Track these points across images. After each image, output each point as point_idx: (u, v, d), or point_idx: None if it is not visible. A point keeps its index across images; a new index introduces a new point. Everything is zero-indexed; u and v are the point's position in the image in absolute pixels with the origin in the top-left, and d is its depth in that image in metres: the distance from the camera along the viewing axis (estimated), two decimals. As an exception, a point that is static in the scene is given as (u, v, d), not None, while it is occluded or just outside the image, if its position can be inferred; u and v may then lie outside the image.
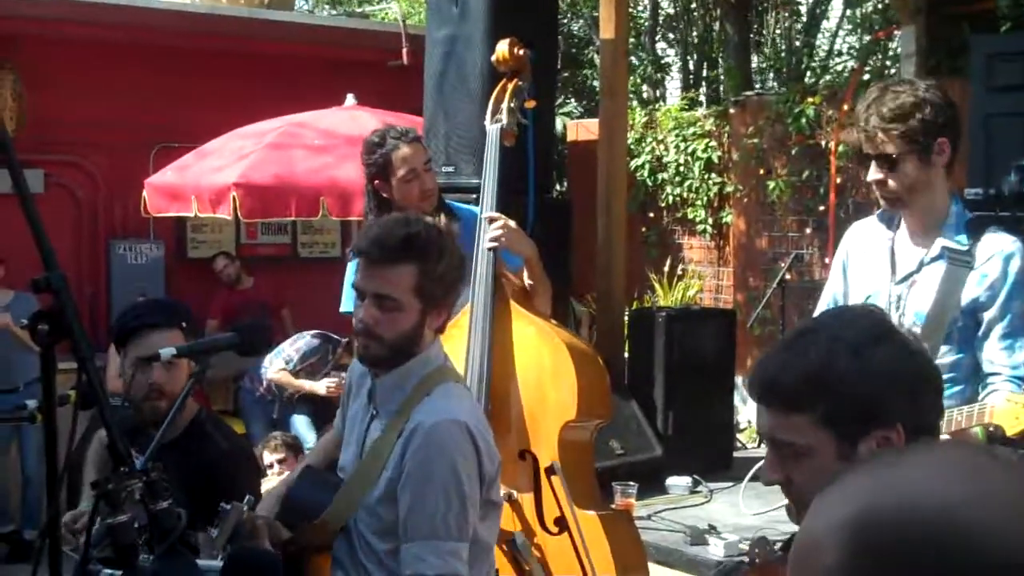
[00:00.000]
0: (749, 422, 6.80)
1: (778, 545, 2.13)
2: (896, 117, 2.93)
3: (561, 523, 3.50)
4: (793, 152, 9.11)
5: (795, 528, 2.20)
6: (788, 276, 7.34)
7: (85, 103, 8.70)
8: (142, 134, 9.08)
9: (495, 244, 3.68)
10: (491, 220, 3.73)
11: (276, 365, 6.94)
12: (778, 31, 15.01)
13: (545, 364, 3.61)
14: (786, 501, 1.96)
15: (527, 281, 3.75)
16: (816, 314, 3.40)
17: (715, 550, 4.27)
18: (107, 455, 2.06)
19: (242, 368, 7.84)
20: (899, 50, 9.10)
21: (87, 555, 2.10)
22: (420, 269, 2.59)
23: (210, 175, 7.12)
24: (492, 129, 3.90)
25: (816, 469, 1.74)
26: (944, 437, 2.64)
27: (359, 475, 2.65)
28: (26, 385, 7.27)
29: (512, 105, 3.90)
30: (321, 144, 7.27)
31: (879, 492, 0.90)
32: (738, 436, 6.25)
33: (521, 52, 3.98)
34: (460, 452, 2.54)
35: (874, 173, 2.99)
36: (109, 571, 2.15)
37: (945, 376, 3.05)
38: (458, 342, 3.70)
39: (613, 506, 4.08)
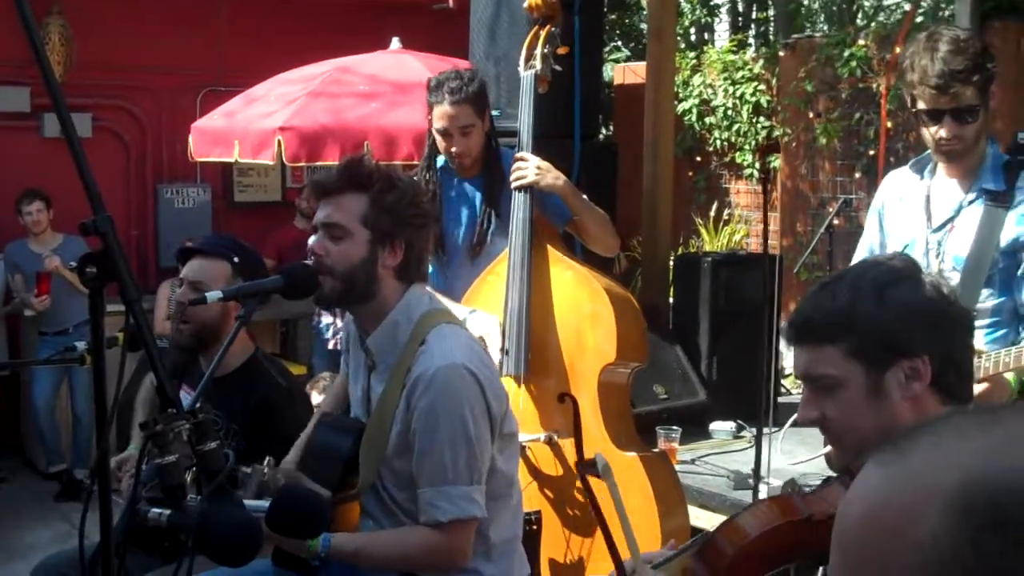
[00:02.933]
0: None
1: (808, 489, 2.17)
2: (970, 69, 2.89)
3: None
4: (843, 96, 8.98)
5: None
6: (836, 221, 7.26)
7: (132, 47, 8.73)
8: (188, 78, 9.10)
9: (520, 183, 3.71)
10: (519, 159, 3.75)
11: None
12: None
13: (583, 308, 3.62)
14: (828, 448, 2.00)
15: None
16: (853, 263, 3.40)
17: (759, 494, 4.27)
18: (156, 396, 2.08)
19: (292, 311, 7.89)
20: (953, -9, 8.92)
21: (136, 495, 2.13)
22: (367, 198, 2.64)
23: (257, 121, 7.11)
24: (526, 75, 3.92)
25: (848, 402, 1.85)
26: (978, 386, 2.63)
27: (371, 435, 2.67)
28: (75, 327, 7.43)
29: (545, 51, 3.90)
30: (366, 89, 7.24)
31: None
32: (782, 382, 6.22)
33: None
34: (463, 395, 2.56)
35: (952, 127, 2.94)
36: (157, 511, 2.17)
37: (988, 320, 3.04)
38: (496, 288, 3.72)
39: (655, 450, 4.08)
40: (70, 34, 8.40)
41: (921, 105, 2.96)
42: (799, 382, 2.09)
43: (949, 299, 1.89)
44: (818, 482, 3.99)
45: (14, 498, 7.51)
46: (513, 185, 3.74)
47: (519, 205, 3.72)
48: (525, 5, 4.02)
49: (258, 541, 2.11)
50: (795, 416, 2.02)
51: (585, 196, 3.88)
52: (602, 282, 3.65)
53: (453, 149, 3.86)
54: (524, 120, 3.84)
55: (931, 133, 2.98)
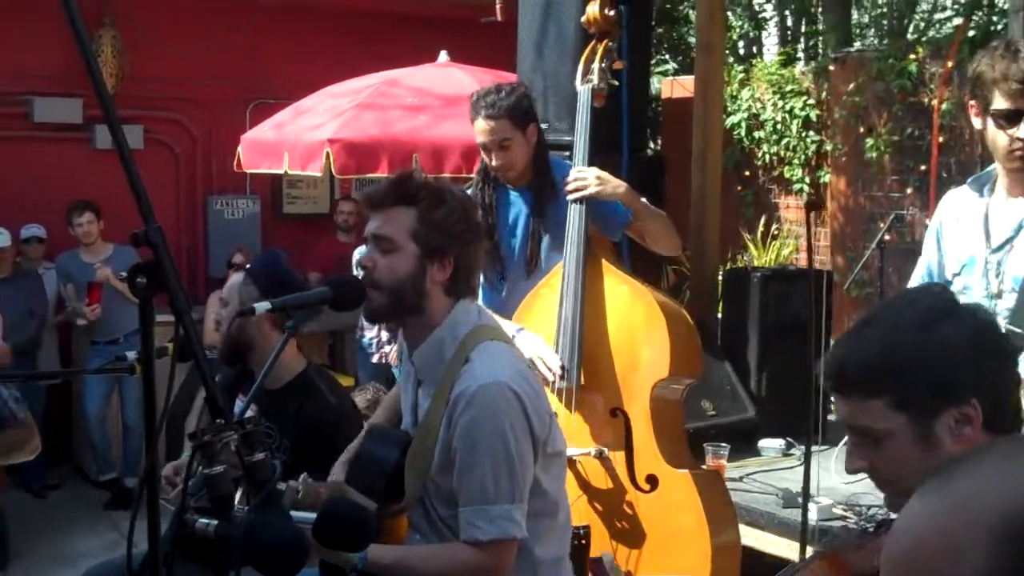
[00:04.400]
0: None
1: (871, 528, 2.10)
2: None
3: (652, 480, 3.50)
4: (894, 110, 8.89)
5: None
6: (887, 237, 7.17)
7: (183, 59, 8.83)
8: (239, 90, 9.18)
9: (580, 194, 3.70)
10: (575, 174, 3.75)
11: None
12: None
13: (638, 322, 3.60)
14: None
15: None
16: (910, 284, 3.35)
17: (809, 514, 4.21)
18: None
19: (339, 323, 7.92)
20: (1006, 5, 8.81)
21: (184, 504, 2.13)
22: (416, 213, 2.63)
23: (306, 133, 7.16)
24: (583, 89, 3.93)
25: (896, 453, 1.76)
26: None
27: (416, 449, 2.67)
28: (126, 336, 7.50)
29: (603, 66, 3.92)
30: (414, 102, 7.27)
31: None
32: (832, 399, 6.13)
33: (611, 13, 3.98)
34: (505, 414, 2.53)
35: None
36: (205, 520, 2.18)
37: None
38: (549, 300, 3.71)
39: (704, 467, 4.05)
40: (122, 46, 8.50)
41: (999, 106, 2.89)
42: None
43: (992, 331, 1.80)
44: (871, 501, 3.94)
45: (65, 505, 7.58)
46: (571, 197, 3.73)
47: (575, 217, 3.72)
48: (582, 19, 4.03)
49: (304, 553, 2.11)
50: (848, 437, 1.97)
51: (644, 199, 3.87)
52: (657, 297, 3.64)
53: (494, 163, 3.87)
54: (580, 134, 3.85)
55: (1007, 135, 2.91)
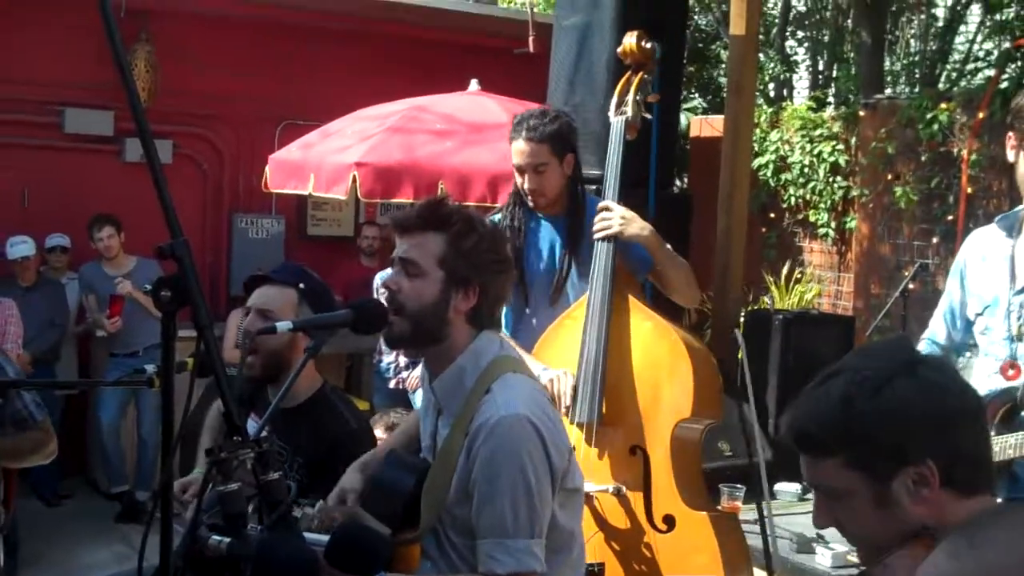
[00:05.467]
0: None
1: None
2: None
3: (670, 521, 3.46)
4: (923, 158, 8.87)
5: None
6: (912, 285, 7.15)
7: (215, 77, 8.88)
8: (269, 110, 9.23)
9: (604, 233, 3.68)
10: (603, 209, 3.73)
11: (415, 373, 6.91)
12: (912, 33, 14.64)
13: (662, 360, 3.57)
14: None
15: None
16: (932, 322, 3.34)
17: (822, 559, 4.18)
18: (223, 423, 2.08)
19: (358, 346, 7.91)
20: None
21: (197, 521, 2.12)
22: (445, 240, 2.61)
23: (333, 155, 7.18)
24: (616, 121, 3.90)
25: (857, 510, 1.76)
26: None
27: (434, 479, 2.64)
28: (145, 350, 7.52)
29: (637, 98, 3.90)
30: (443, 128, 7.29)
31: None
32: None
33: (648, 45, 3.97)
34: (524, 447, 2.50)
35: None
36: (217, 538, 2.17)
37: None
38: (572, 332, 3.69)
39: (719, 507, 4.01)
40: (156, 61, 8.57)
41: None
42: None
43: (950, 392, 1.77)
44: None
45: (76, 516, 7.59)
46: (597, 236, 3.71)
47: (601, 253, 3.69)
48: (619, 50, 4.02)
49: (315, 574, 2.09)
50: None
51: (669, 246, 3.85)
52: (681, 335, 3.61)
53: (526, 186, 3.86)
54: (611, 166, 3.83)
55: None
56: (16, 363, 4.18)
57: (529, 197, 3.88)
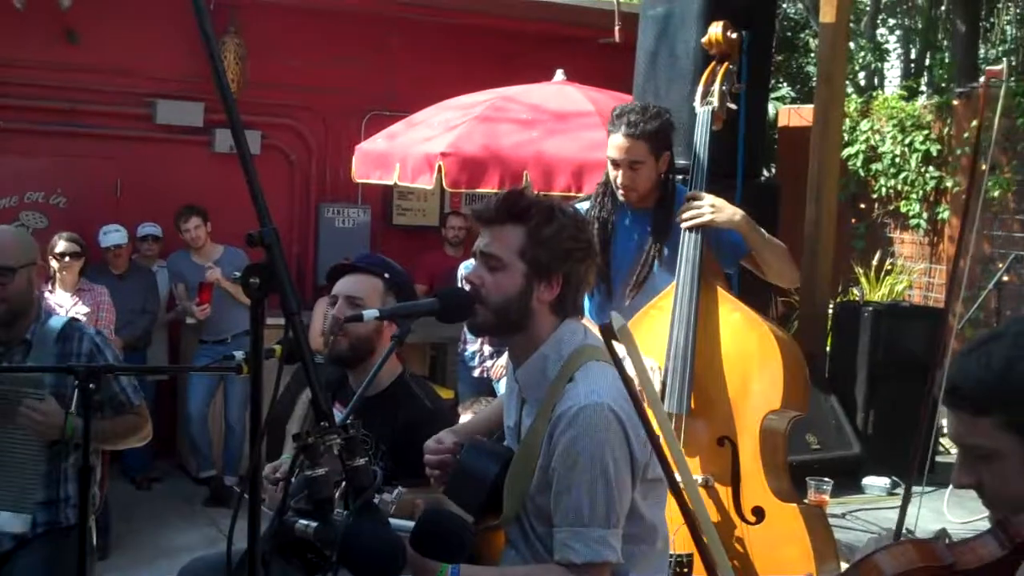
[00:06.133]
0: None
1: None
2: None
3: (759, 512, 3.43)
4: (1020, 149, 8.65)
5: None
6: (1005, 278, 6.99)
7: (303, 68, 8.98)
8: (355, 100, 9.30)
9: (694, 222, 3.65)
10: (691, 199, 3.69)
11: (500, 362, 6.93)
12: (1008, 20, 14.29)
13: (751, 352, 3.54)
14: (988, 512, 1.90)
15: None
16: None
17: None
18: (311, 410, 2.10)
19: (442, 335, 7.95)
20: None
21: (284, 505, 2.15)
22: (524, 231, 2.61)
23: (418, 145, 7.21)
24: (702, 111, 3.88)
25: (1005, 473, 1.74)
26: None
27: (517, 467, 2.64)
28: (234, 337, 7.62)
29: (723, 88, 3.87)
30: (528, 118, 7.28)
31: None
32: (941, 440, 5.99)
33: (733, 36, 3.93)
34: (605, 436, 2.49)
35: None
36: (304, 522, 2.19)
37: None
38: (659, 323, 3.67)
39: (806, 501, 3.96)
40: (245, 53, 8.68)
41: None
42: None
43: None
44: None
45: (165, 499, 7.72)
46: (686, 225, 3.68)
47: (689, 243, 3.66)
48: (703, 40, 3.99)
49: (401, 560, 2.11)
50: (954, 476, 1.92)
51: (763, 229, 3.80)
52: (770, 327, 3.58)
53: (619, 181, 3.83)
54: (698, 156, 3.80)
55: None
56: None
57: (621, 191, 3.86)
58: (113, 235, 7.64)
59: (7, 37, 8.06)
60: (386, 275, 3.57)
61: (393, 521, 2.26)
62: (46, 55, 8.21)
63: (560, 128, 7.03)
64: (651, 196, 3.88)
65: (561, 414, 2.53)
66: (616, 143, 3.81)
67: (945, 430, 6.54)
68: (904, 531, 4.28)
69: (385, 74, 9.28)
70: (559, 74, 7.84)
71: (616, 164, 3.83)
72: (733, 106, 3.94)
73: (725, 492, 3.49)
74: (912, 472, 3.70)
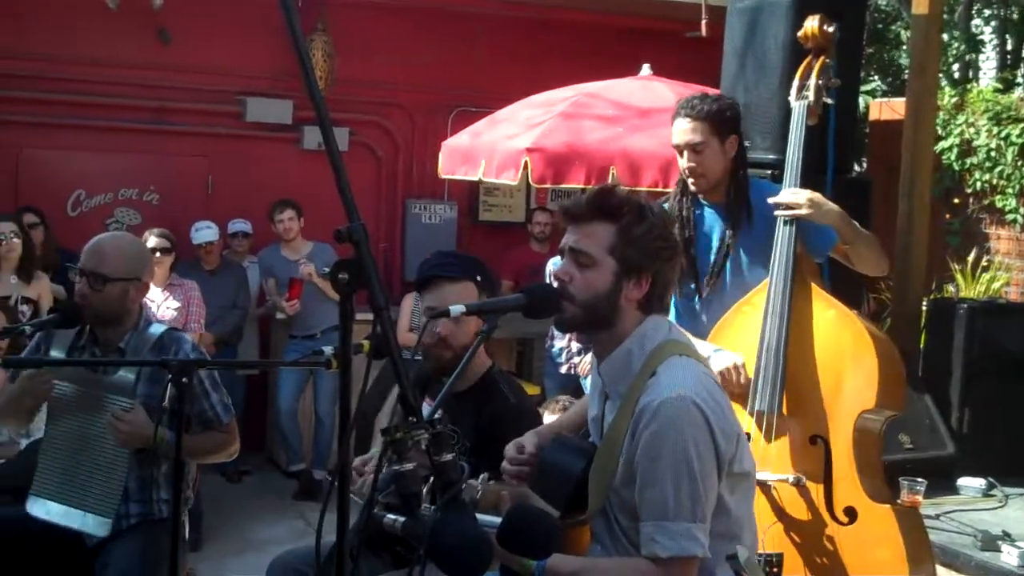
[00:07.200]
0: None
1: None
2: None
3: (851, 513, 3.38)
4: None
5: None
6: (1108, 275, 6.79)
7: (391, 65, 9.05)
8: (442, 97, 9.35)
9: (791, 213, 3.61)
10: (787, 195, 3.66)
11: (587, 359, 6.92)
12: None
13: (845, 350, 3.49)
14: None
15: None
16: None
17: (1008, 558, 4.00)
18: (399, 405, 2.11)
19: (527, 331, 7.95)
20: None
21: (372, 499, 2.16)
22: (616, 229, 2.60)
23: (503, 141, 7.22)
24: (798, 105, 3.84)
25: None
26: None
27: (601, 461, 2.64)
28: (323, 332, 7.71)
29: (819, 82, 3.82)
30: (613, 114, 7.24)
31: None
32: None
33: (830, 29, 3.88)
34: (688, 430, 2.47)
35: None
36: (392, 516, 2.20)
37: None
38: (751, 319, 3.63)
39: (899, 501, 3.89)
40: (333, 51, 8.77)
41: None
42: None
43: None
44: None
45: (255, 492, 7.85)
46: (781, 214, 3.64)
47: (783, 238, 3.63)
48: (799, 35, 3.93)
49: (488, 556, 2.10)
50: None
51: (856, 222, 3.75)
52: (865, 324, 3.53)
53: (686, 166, 3.79)
54: (793, 151, 3.76)
55: None
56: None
57: (690, 179, 3.81)
58: (205, 232, 7.76)
59: (101, 37, 8.25)
60: (478, 277, 3.58)
61: (480, 517, 2.26)
62: (138, 54, 8.38)
63: (646, 123, 6.97)
64: (722, 186, 3.82)
65: (644, 408, 2.52)
66: (677, 127, 3.78)
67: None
68: (1001, 532, 4.18)
69: (471, 70, 9.31)
70: (645, 68, 7.79)
71: (680, 150, 3.79)
72: (829, 101, 3.88)
73: (816, 491, 3.43)
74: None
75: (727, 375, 3.49)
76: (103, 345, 3.78)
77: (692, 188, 3.83)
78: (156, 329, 3.81)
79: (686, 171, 3.80)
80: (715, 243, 3.88)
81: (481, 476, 2.80)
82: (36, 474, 3.74)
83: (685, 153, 3.78)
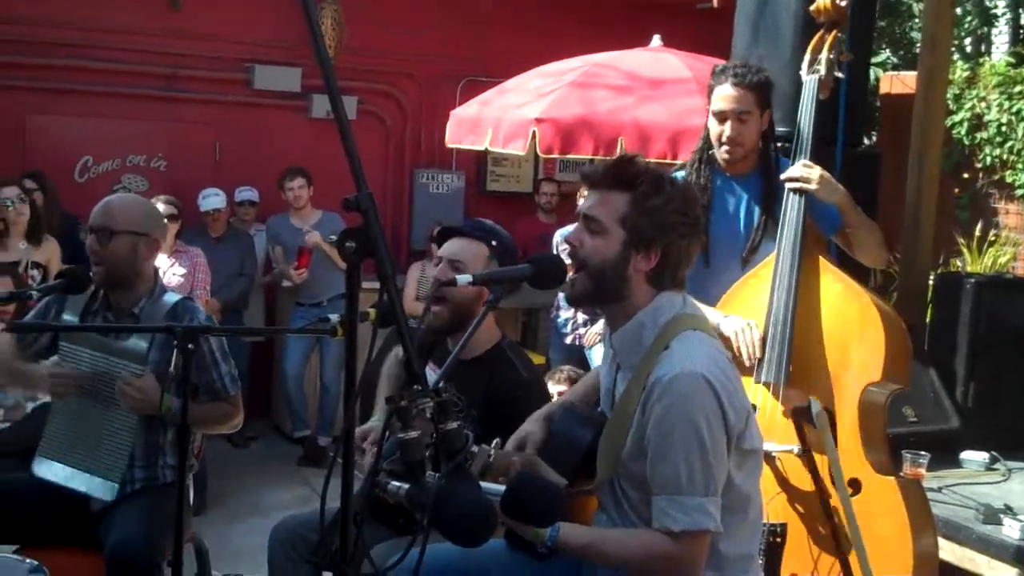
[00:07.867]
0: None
1: None
2: None
3: (855, 484, 3.40)
4: None
5: None
6: (1116, 251, 6.76)
7: (400, 35, 9.02)
8: (451, 67, 9.32)
9: (800, 186, 3.60)
10: (804, 166, 3.66)
11: (594, 329, 6.94)
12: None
13: (852, 323, 3.50)
14: None
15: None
16: None
17: (1010, 531, 4.01)
18: (402, 371, 2.12)
19: (533, 301, 7.96)
20: None
21: (377, 467, 2.17)
22: (630, 198, 2.60)
23: (512, 110, 7.19)
24: (809, 79, 3.83)
25: None
26: None
27: (610, 433, 2.65)
28: (329, 300, 7.73)
29: (831, 56, 3.81)
30: (623, 84, 7.21)
31: None
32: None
33: (843, 3, 3.86)
34: (699, 405, 2.47)
35: None
36: (396, 484, 2.21)
37: None
38: (758, 291, 3.63)
39: (902, 474, 3.91)
40: (342, 19, 8.73)
41: None
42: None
43: None
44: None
45: (260, 458, 7.88)
46: (791, 186, 3.64)
47: (792, 210, 3.63)
48: (812, 8, 3.92)
49: (492, 524, 2.11)
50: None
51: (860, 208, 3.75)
52: (872, 298, 3.53)
53: (726, 134, 3.78)
54: (804, 124, 3.75)
55: None
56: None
57: (726, 147, 3.80)
58: (212, 199, 7.77)
59: (109, 2, 8.21)
60: (493, 242, 3.60)
61: (484, 485, 2.27)
62: (147, 21, 8.36)
63: (656, 94, 6.95)
64: (751, 158, 3.82)
65: (655, 382, 2.52)
66: (724, 93, 3.76)
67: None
68: (1003, 505, 4.19)
69: (481, 39, 9.28)
70: (656, 40, 7.75)
71: (723, 116, 3.78)
72: (840, 75, 3.88)
73: (821, 462, 3.45)
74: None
75: (740, 334, 3.50)
76: (116, 310, 3.79)
77: (724, 156, 3.83)
78: (171, 298, 3.81)
79: (725, 138, 3.79)
80: (732, 217, 3.88)
81: (494, 442, 2.81)
82: (43, 436, 3.75)
83: (728, 121, 3.77)
